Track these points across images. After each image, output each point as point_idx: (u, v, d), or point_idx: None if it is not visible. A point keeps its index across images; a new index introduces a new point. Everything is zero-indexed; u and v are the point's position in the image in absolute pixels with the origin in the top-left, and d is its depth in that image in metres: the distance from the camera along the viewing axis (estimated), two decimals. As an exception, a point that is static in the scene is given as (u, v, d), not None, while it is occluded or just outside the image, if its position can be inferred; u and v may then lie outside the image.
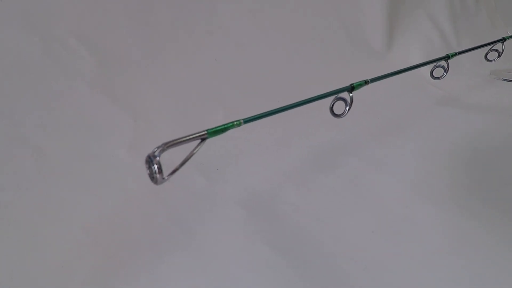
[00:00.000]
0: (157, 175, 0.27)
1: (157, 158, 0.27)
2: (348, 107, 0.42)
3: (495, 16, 1.25)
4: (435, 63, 0.59)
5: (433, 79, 0.60)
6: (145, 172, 0.49)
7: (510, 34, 0.74)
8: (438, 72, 0.59)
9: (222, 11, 0.71)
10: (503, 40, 0.72)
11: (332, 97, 0.43)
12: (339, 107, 0.43)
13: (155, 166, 0.27)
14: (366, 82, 0.44)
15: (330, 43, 0.82)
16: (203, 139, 0.30)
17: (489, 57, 0.74)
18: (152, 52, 0.61)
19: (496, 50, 0.73)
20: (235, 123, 0.32)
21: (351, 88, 0.43)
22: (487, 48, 0.71)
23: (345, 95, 0.43)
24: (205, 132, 0.30)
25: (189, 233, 0.42)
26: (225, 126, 0.31)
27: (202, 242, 0.40)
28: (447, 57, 0.58)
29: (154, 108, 0.57)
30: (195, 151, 0.30)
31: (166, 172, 0.29)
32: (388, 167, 0.54)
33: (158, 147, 0.27)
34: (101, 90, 0.55)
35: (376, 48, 0.86)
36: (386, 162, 0.55)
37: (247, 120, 0.33)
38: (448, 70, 0.58)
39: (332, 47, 0.82)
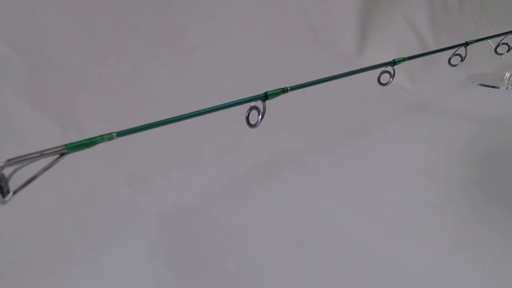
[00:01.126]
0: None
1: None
2: (261, 117, 0.40)
3: (479, 17, 1.20)
4: (382, 68, 0.56)
5: (381, 85, 0.57)
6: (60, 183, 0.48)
7: (474, 39, 0.71)
8: (385, 78, 0.56)
9: (174, 14, 0.69)
10: (466, 44, 0.68)
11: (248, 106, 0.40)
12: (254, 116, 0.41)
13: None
14: (284, 91, 0.42)
15: (296, 46, 0.80)
16: (62, 154, 0.28)
17: (452, 61, 0.71)
18: (90, 60, 0.60)
19: (459, 55, 0.70)
20: (105, 136, 0.29)
21: (265, 97, 0.40)
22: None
23: (259, 104, 0.40)
24: (64, 147, 0.28)
25: (93, 250, 0.40)
26: (91, 140, 0.29)
27: (101, 261, 0.38)
28: (393, 63, 0.55)
29: (87, 117, 0.56)
30: (49, 167, 0.28)
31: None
32: (335, 180, 0.51)
33: (-2, 164, 0.25)
34: (31, 98, 0.54)
35: (345, 52, 0.83)
36: (333, 174, 0.52)
37: (121, 134, 0.30)
38: (394, 76, 0.55)
39: (298, 50, 0.80)
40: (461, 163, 0.53)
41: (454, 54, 0.70)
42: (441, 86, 0.81)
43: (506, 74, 0.81)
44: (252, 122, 0.41)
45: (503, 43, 0.75)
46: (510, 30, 0.75)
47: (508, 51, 0.75)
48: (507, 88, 0.78)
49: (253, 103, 0.40)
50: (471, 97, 0.77)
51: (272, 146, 0.58)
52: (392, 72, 0.55)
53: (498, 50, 0.76)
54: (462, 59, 0.72)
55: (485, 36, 0.73)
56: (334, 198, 0.47)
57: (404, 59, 0.57)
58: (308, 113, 0.66)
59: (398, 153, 0.57)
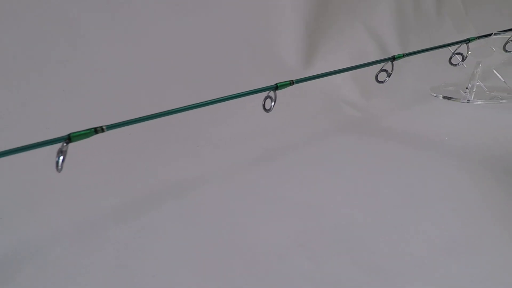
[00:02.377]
0: None
1: None
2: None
3: (464, 23, 1.12)
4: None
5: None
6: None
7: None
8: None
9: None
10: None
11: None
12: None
13: None
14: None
15: (240, 60, 0.75)
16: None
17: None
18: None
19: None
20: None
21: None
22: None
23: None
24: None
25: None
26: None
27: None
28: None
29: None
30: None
31: None
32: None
33: None
34: None
35: (292, 64, 0.78)
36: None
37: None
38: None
39: (243, 65, 0.75)
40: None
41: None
42: (397, 99, 0.74)
43: (468, 85, 0.73)
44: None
45: (457, 53, 0.68)
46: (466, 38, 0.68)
47: (463, 60, 0.68)
48: (468, 102, 0.70)
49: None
50: (427, 111, 0.69)
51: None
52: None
53: (452, 61, 0.69)
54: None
55: (445, 43, 0.66)
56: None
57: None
58: (236, 129, 0.61)
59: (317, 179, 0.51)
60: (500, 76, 0.72)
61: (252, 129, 0.60)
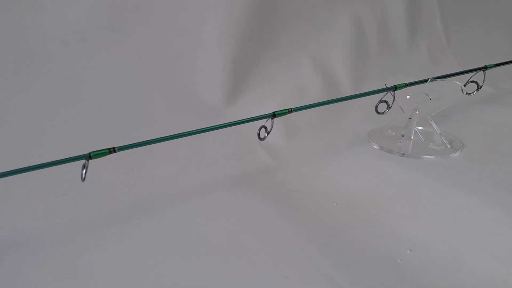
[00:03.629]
0: None
1: None
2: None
3: (445, 55, 1.03)
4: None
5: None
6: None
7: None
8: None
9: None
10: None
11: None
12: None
13: None
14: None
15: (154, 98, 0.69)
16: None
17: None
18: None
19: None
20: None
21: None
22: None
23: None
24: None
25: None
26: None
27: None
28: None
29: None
30: None
31: None
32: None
33: None
34: None
35: (211, 103, 0.70)
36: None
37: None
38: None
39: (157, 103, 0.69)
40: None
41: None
42: (325, 145, 0.68)
43: (404, 132, 0.66)
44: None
45: (383, 101, 0.62)
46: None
47: (388, 108, 0.61)
48: (403, 155, 0.63)
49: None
50: (354, 162, 0.62)
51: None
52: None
53: (378, 109, 0.62)
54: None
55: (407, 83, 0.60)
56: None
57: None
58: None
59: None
60: (436, 127, 0.65)
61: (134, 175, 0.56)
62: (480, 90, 0.70)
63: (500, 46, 1.06)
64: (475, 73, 0.73)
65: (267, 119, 0.51)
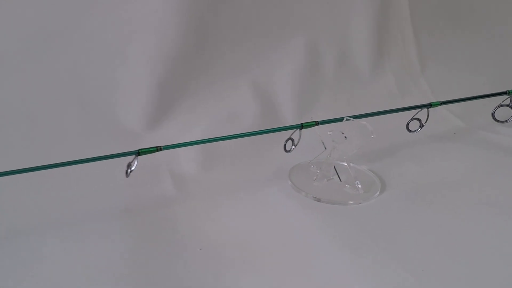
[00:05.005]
0: None
1: None
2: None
3: (417, 83, 0.97)
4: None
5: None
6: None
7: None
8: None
9: None
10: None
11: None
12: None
13: None
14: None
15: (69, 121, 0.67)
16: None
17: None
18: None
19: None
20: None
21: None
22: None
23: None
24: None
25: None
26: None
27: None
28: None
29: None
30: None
31: None
32: None
33: None
34: None
35: (133, 127, 0.69)
36: None
37: None
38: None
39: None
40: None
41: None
42: (238, 179, 0.63)
43: (318, 170, 0.62)
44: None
45: (290, 138, 0.58)
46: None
47: (294, 145, 0.58)
48: (319, 201, 0.58)
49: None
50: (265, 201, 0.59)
51: None
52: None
53: (286, 147, 0.59)
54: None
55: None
56: None
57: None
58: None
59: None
60: (338, 176, 0.61)
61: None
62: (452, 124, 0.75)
63: (485, 75, 0.98)
64: (419, 111, 0.68)
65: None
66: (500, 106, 0.76)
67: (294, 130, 0.57)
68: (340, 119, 0.59)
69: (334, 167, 0.62)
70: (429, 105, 0.67)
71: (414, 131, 0.68)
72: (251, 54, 0.78)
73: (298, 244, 0.49)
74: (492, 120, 0.76)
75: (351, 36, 0.88)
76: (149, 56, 0.69)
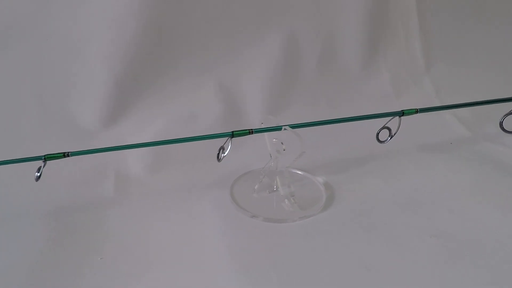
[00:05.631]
0: None
1: None
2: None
3: (419, 80, 0.87)
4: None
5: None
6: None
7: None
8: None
9: None
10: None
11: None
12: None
13: None
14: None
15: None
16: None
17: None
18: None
19: None
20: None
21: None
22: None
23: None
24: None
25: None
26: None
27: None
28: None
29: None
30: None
31: None
32: None
33: None
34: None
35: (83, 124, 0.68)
36: None
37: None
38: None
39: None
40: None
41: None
42: (182, 183, 0.60)
43: (258, 184, 0.57)
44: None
45: (221, 147, 0.54)
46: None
47: (223, 154, 0.53)
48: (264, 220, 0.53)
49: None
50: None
51: None
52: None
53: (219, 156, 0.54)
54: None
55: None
56: None
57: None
58: None
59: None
60: (281, 187, 0.55)
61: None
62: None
63: (501, 75, 0.84)
64: (391, 119, 0.60)
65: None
66: (510, 114, 0.64)
67: (227, 139, 0.53)
68: (279, 128, 0.53)
69: (277, 178, 0.57)
70: (401, 113, 0.59)
71: (384, 141, 0.60)
72: (219, 50, 0.74)
73: (199, 259, 0.45)
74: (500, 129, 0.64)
75: (338, 28, 0.80)
76: (107, 54, 0.68)
